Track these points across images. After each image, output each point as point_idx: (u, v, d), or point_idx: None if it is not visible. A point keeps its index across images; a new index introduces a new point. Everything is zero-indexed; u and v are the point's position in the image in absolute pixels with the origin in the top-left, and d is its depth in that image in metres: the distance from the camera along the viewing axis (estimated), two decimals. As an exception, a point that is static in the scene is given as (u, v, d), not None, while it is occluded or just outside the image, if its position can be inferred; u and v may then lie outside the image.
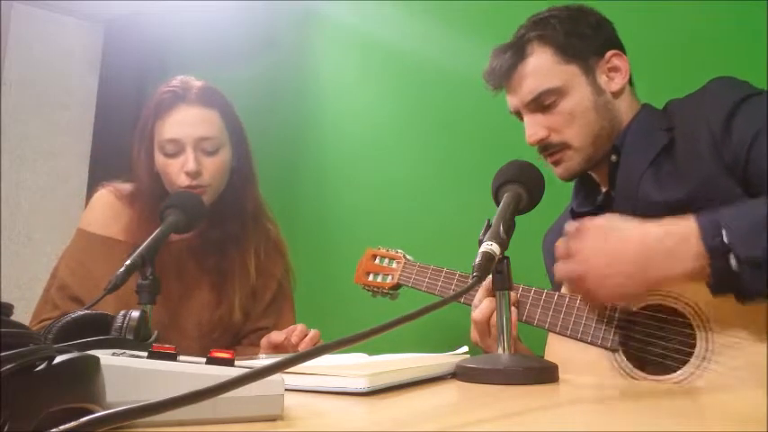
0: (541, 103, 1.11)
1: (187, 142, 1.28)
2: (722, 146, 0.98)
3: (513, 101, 1.16)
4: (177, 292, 1.32)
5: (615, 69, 1.13)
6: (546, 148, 1.13)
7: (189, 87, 1.32)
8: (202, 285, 1.35)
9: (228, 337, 1.37)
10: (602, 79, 1.13)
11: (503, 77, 1.15)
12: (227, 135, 1.35)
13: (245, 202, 1.39)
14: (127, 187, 1.39)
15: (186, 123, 1.29)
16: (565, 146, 1.12)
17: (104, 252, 1.32)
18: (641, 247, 0.87)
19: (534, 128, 1.12)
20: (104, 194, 1.39)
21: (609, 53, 1.13)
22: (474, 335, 1.12)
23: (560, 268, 0.93)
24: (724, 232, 0.80)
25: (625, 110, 1.14)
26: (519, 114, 1.17)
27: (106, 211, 1.36)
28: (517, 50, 1.13)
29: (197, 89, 1.32)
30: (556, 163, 1.14)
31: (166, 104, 1.30)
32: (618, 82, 1.13)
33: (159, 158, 1.31)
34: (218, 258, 1.36)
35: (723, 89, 1.03)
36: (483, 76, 1.18)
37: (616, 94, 1.13)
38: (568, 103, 1.10)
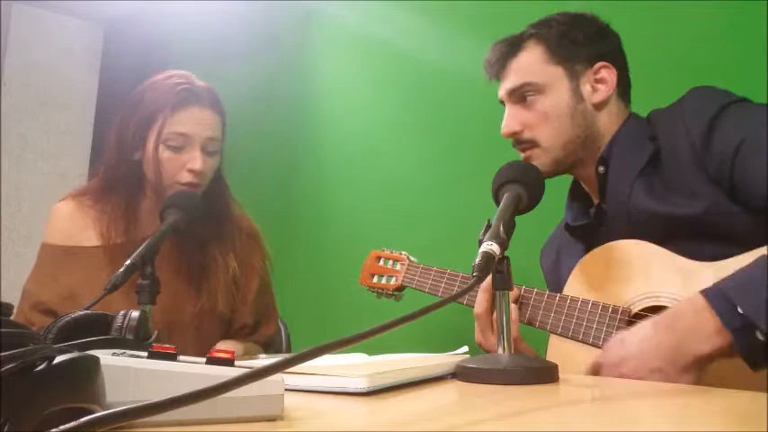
0: (522, 97, 1.14)
1: (197, 140, 1.30)
2: (704, 158, 0.98)
3: (501, 90, 1.19)
4: (167, 289, 1.32)
5: (601, 81, 1.14)
6: (518, 142, 1.16)
7: (198, 87, 1.34)
8: (188, 281, 1.35)
9: (220, 330, 1.39)
10: (585, 88, 1.13)
11: (496, 67, 1.18)
12: (221, 140, 1.38)
13: (223, 201, 1.42)
14: (90, 186, 1.38)
15: (199, 122, 1.31)
16: (533, 143, 1.14)
17: (75, 261, 1.31)
18: (661, 334, 0.84)
19: (510, 120, 1.15)
20: (61, 206, 1.39)
21: (598, 64, 1.13)
22: (477, 335, 1.12)
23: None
24: (738, 307, 0.78)
25: (608, 122, 1.14)
26: (504, 104, 1.19)
27: (66, 223, 1.36)
28: (512, 44, 1.17)
29: (207, 92, 1.35)
30: (526, 160, 1.15)
31: (183, 100, 1.31)
32: (601, 94, 1.13)
33: (160, 150, 1.30)
34: (200, 254, 1.37)
35: (700, 100, 1.03)
36: (483, 65, 1.21)
37: (597, 106, 1.13)
38: (545, 102, 1.12)
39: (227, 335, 1.41)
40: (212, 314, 1.36)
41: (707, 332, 0.80)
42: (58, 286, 1.29)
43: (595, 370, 0.90)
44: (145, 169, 1.33)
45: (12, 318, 0.40)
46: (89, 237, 1.33)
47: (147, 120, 1.31)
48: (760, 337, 0.77)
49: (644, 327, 0.87)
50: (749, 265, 0.84)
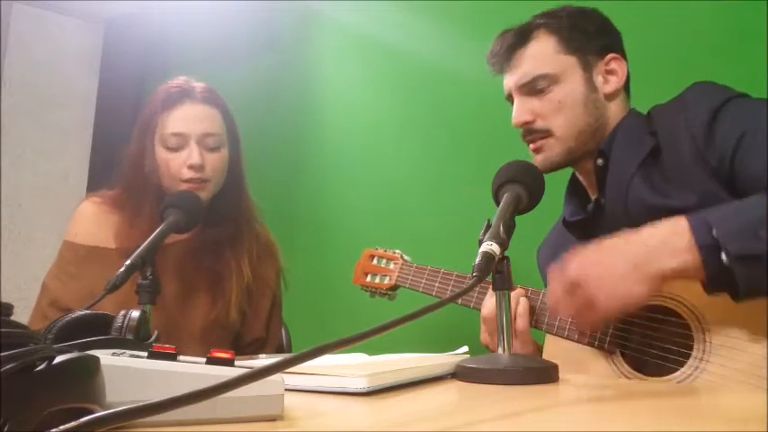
0: (534, 88, 1.13)
1: (192, 137, 1.30)
2: (706, 151, 0.98)
3: (508, 82, 1.17)
4: (176, 295, 1.32)
5: (612, 72, 1.15)
6: (529, 132, 1.15)
7: (193, 86, 1.34)
8: (199, 287, 1.35)
9: (228, 340, 1.37)
10: (597, 79, 1.14)
11: (503, 57, 1.17)
12: (227, 136, 1.36)
13: (240, 204, 1.40)
14: (112, 193, 1.38)
15: (191, 119, 1.31)
16: (548, 133, 1.13)
17: (95, 261, 1.31)
18: (633, 245, 0.86)
19: (521, 110, 1.14)
20: (86, 206, 1.38)
21: (609, 55, 1.14)
22: (484, 336, 1.12)
23: (554, 287, 0.89)
24: (714, 229, 0.80)
25: (615, 114, 1.15)
26: (511, 98, 1.18)
27: (91, 222, 1.36)
28: (521, 34, 1.16)
29: (201, 88, 1.35)
30: (537, 150, 1.15)
31: (173, 100, 1.31)
32: (613, 85, 1.14)
33: (161, 153, 1.31)
34: (215, 259, 1.36)
35: (702, 94, 1.03)
36: (486, 57, 1.20)
37: (609, 97, 1.14)
38: (560, 91, 1.12)
39: (236, 349, 1.39)
40: (223, 325, 1.35)
41: (677, 248, 0.82)
42: (77, 285, 1.29)
43: (557, 270, 0.89)
44: (159, 175, 1.33)
45: (13, 314, 0.40)
46: (109, 239, 1.33)
47: (145, 128, 1.33)
48: (724, 258, 0.79)
49: (617, 239, 0.88)
50: (739, 201, 0.87)
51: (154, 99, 1.34)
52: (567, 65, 1.13)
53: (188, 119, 1.30)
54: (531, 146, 1.15)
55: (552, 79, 1.12)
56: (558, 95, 1.12)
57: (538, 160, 1.14)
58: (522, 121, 1.14)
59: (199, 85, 1.35)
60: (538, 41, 1.14)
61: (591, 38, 1.14)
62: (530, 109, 1.13)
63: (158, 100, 1.33)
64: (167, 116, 1.31)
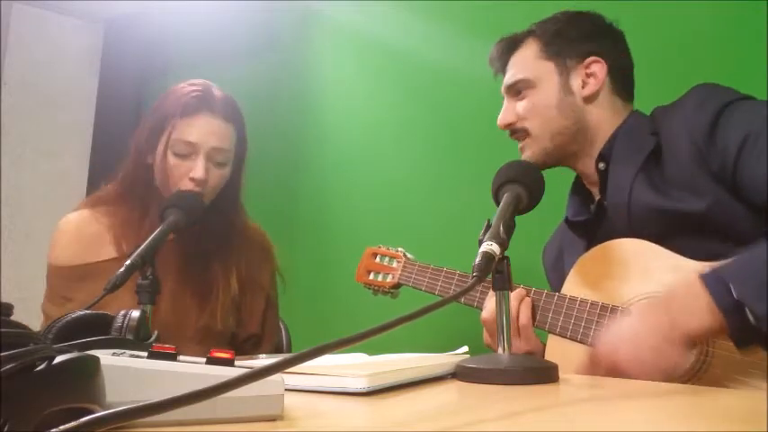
0: (517, 91, 1.19)
1: (202, 149, 1.28)
2: (707, 155, 0.98)
3: (502, 85, 1.24)
4: (164, 299, 1.31)
5: (592, 75, 1.15)
6: (512, 132, 1.21)
7: (213, 96, 1.31)
8: (187, 294, 1.34)
9: (222, 342, 1.37)
10: (576, 82, 1.16)
11: (497, 63, 1.24)
12: (234, 151, 1.35)
13: (233, 216, 1.39)
14: (106, 194, 1.36)
15: (207, 131, 1.28)
16: (526, 133, 1.18)
17: (88, 278, 1.27)
18: (655, 315, 0.85)
19: (506, 112, 1.20)
20: (66, 223, 1.34)
21: (590, 59, 1.15)
22: (486, 337, 1.13)
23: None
24: (732, 288, 0.78)
25: (600, 117, 1.15)
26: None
27: (72, 241, 1.32)
28: (511, 42, 1.22)
29: (221, 100, 1.32)
30: (521, 150, 1.20)
31: (193, 107, 1.29)
32: (590, 87, 1.15)
33: (167, 156, 1.29)
34: (202, 269, 1.35)
35: (703, 98, 1.03)
36: (488, 60, 1.27)
37: (587, 99, 1.15)
38: (534, 95, 1.17)
39: (233, 347, 1.38)
40: (214, 331, 1.34)
41: (699, 310, 0.80)
42: (73, 305, 1.25)
43: (592, 361, 0.89)
44: (155, 175, 1.31)
45: (13, 314, 0.40)
46: (103, 251, 1.30)
47: (158, 126, 1.31)
48: (751, 319, 0.77)
49: (637, 310, 0.88)
50: (749, 250, 0.84)
51: (171, 99, 1.31)
52: (544, 70, 1.16)
53: (203, 131, 1.28)
54: (518, 144, 1.21)
55: (528, 83, 1.17)
56: (532, 99, 1.17)
57: (523, 158, 1.19)
58: (504, 122, 1.20)
59: (219, 94, 1.32)
60: (525, 47, 1.20)
61: (572, 43, 1.17)
62: (512, 111, 1.19)
63: (177, 102, 1.30)
64: (183, 123, 1.28)
